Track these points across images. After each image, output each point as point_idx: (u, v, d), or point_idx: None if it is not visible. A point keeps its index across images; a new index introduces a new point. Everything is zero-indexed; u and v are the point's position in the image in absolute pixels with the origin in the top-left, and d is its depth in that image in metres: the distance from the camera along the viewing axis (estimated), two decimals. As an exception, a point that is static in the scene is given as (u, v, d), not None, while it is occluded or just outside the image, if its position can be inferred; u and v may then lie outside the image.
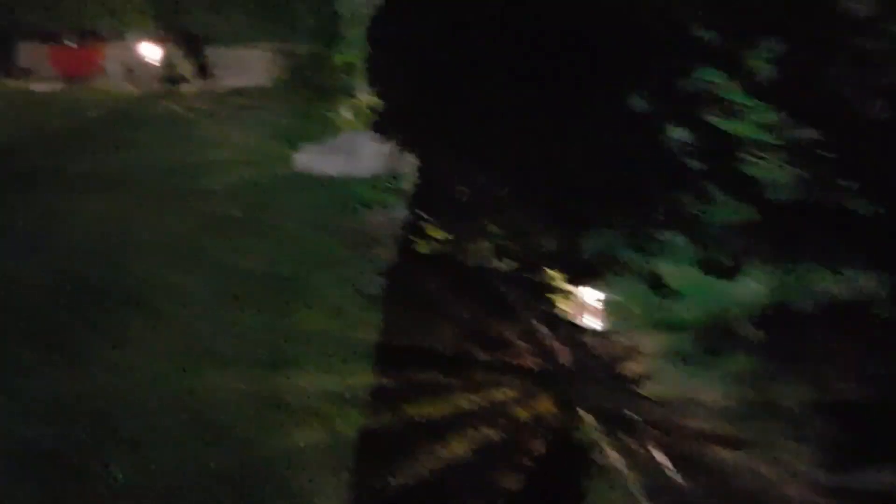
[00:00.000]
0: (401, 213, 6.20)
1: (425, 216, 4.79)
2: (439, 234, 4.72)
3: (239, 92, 10.06)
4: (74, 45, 9.91)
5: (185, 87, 10.12)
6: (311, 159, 7.29)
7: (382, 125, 7.97)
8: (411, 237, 4.85)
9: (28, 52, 10.18)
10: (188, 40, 10.42)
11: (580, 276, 4.06)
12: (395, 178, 6.55)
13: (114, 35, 10.45)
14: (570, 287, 4.22)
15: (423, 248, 4.75)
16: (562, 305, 4.32)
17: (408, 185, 6.09)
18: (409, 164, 6.24)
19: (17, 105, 8.78)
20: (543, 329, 4.49)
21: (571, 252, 4.07)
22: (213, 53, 10.69)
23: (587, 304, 4.17)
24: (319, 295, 5.08)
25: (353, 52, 8.51)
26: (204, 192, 6.61)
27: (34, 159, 7.08)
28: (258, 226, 6.06)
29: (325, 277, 5.29)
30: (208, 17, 10.64)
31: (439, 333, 4.59)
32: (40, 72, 10.17)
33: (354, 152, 7.37)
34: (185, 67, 10.24)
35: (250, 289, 5.13)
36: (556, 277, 4.30)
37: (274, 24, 10.83)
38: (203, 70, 10.55)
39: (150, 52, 9.63)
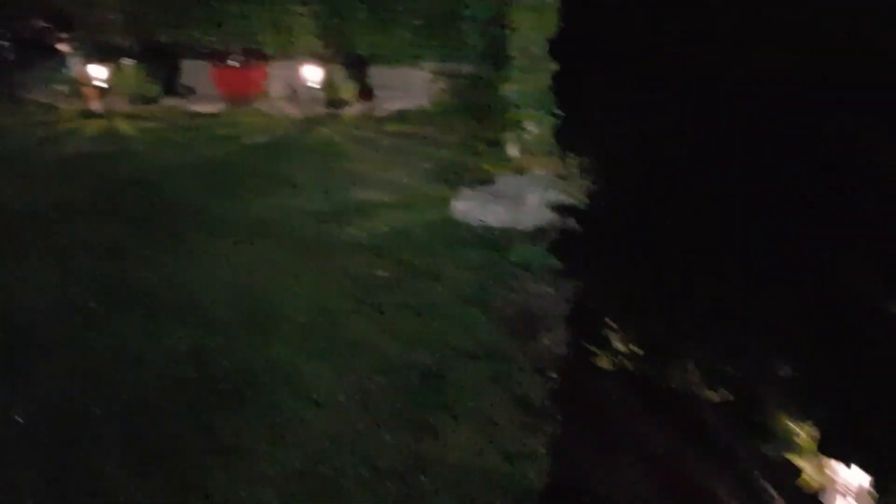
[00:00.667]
0: (572, 288, 5.10)
1: (608, 321, 3.60)
2: (626, 347, 3.54)
3: (400, 116, 9.29)
4: (238, 65, 9.55)
5: (346, 111, 9.50)
6: (471, 206, 6.29)
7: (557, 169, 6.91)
8: (587, 345, 3.68)
9: (192, 71, 9.94)
10: (352, 61, 9.80)
11: (836, 443, 2.78)
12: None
13: (279, 55, 10.03)
14: (818, 452, 2.92)
15: (603, 362, 3.59)
16: (805, 471, 3.03)
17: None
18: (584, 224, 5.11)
19: (175, 128, 8.45)
20: (773, 494, 3.22)
21: (827, 403, 2.78)
22: (375, 74, 10.03)
23: (842, 481, 2.87)
24: (468, 400, 4.04)
25: (524, 77, 7.46)
26: (351, 245, 5.77)
27: (180, 194, 6.57)
28: (404, 292, 5.12)
29: (477, 374, 4.25)
30: (373, 36, 9.98)
31: (626, 482, 3.42)
32: (203, 91, 9.91)
33: (519, 199, 6.32)
34: (348, 89, 9.62)
35: (387, 382, 4.18)
36: (799, 433, 3.01)
37: (440, 43, 10.00)
38: (365, 92, 9.89)
39: (314, 73, 9.05)
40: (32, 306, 4.84)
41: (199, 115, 9.16)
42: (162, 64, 9.65)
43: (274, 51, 9.94)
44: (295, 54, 9.94)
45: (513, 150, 7.19)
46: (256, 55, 9.72)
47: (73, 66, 9.86)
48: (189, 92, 9.97)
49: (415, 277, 5.27)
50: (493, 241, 5.81)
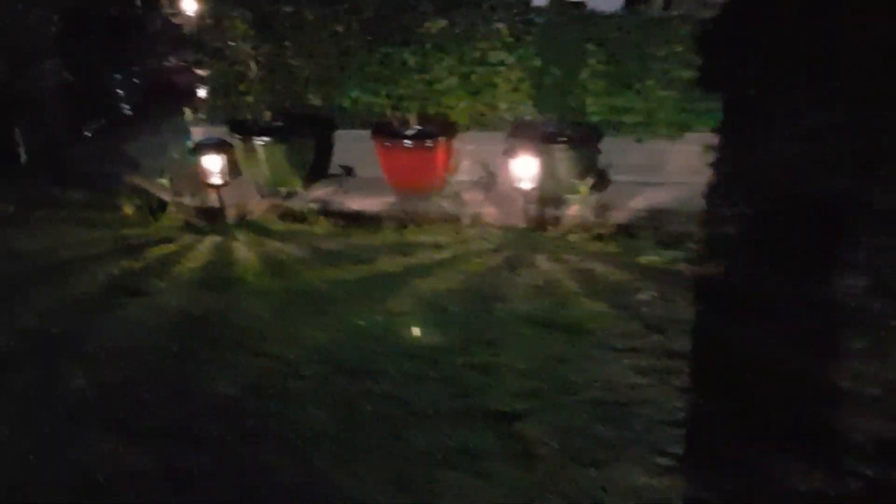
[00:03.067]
0: None
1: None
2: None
3: (655, 222, 5.82)
4: (410, 143, 6.42)
5: (570, 211, 6.11)
6: None
7: None
8: None
9: (349, 143, 6.93)
10: (581, 135, 6.40)
11: None
12: None
13: (472, 124, 6.81)
14: None
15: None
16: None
17: None
18: None
19: (316, 256, 5.37)
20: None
21: None
22: (612, 148, 6.57)
23: None
24: None
25: None
26: None
27: (304, 443, 3.51)
28: None
29: None
30: (616, 96, 6.51)
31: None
32: (363, 171, 6.91)
33: None
34: (574, 179, 6.22)
35: None
36: None
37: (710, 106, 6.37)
38: (600, 179, 6.46)
39: (527, 167, 5.74)
40: None
41: (354, 219, 6.08)
42: (310, 138, 6.71)
43: (466, 119, 6.73)
44: (496, 124, 6.70)
45: None
46: (441, 126, 6.55)
47: (195, 137, 7.17)
48: (345, 174, 6.99)
49: None
50: None
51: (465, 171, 6.78)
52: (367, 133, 6.57)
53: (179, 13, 8.97)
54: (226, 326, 4.48)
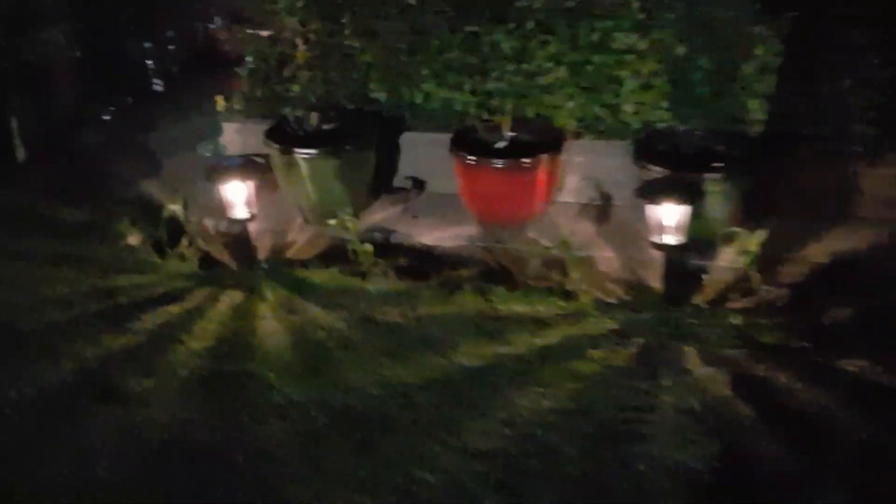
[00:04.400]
0: None
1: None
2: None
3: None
4: (502, 163, 4.65)
5: (725, 267, 4.27)
6: None
7: None
8: None
9: (422, 150, 5.23)
10: (741, 154, 4.52)
11: None
12: None
13: (583, 132, 5.00)
14: None
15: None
16: None
17: None
18: None
19: (369, 332, 3.72)
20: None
21: None
22: (778, 168, 4.66)
23: None
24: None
25: None
26: None
27: None
28: None
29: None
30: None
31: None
32: (436, 183, 5.22)
33: None
34: (731, 219, 4.38)
35: None
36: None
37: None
38: (762, 212, 4.54)
39: (670, 212, 3.89)
40: None
41: (423, 261, 4.44)
42: (370, 148, 5.03)
43: (576, 124, 4.93)
44: (616, 131, 4.89)
45: None
46: (543, 134, 4.77)
47: (224, 137, 5.61)
48: (415, 188, 5.32)
49: None
50: None
51: (570, 189, 5.03)
52: (443, 137, 4.86)
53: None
54: (224, 482, 2.92)
